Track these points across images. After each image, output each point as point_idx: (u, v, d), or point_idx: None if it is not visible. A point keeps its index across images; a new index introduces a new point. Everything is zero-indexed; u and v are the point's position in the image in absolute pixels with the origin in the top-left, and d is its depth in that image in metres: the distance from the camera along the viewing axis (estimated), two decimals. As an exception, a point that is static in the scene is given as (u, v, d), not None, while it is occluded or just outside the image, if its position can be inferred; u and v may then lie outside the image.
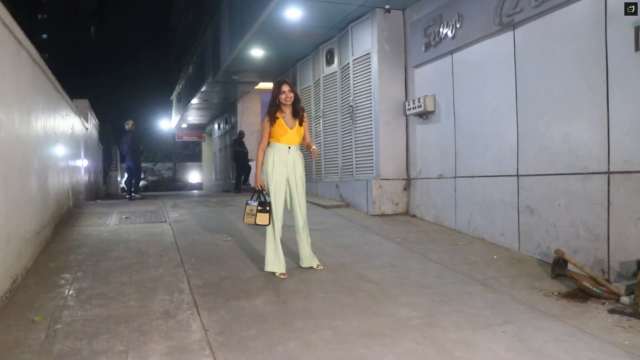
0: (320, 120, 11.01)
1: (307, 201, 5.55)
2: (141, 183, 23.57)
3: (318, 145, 11.18)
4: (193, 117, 24.25)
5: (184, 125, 27.66)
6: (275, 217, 5.26)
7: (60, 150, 7.83)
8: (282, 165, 5.28)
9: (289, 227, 5.60)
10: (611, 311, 4.17)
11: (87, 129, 12.66)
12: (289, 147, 5.32)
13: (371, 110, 9.01)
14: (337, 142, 10.33)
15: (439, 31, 7.69)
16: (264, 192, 5.35)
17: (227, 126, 21.31)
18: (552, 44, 5.75)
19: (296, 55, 12.17)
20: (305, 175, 5.55)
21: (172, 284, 4.91)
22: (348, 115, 9.77)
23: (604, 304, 4.34)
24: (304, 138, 5.46)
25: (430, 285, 4.99)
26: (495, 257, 6.02)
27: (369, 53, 9.05)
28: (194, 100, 19.58)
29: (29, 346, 3.46)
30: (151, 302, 4.39)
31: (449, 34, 7.45)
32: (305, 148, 5.53)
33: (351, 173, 9.74)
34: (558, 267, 5.04)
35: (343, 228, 7.79)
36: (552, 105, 5.76)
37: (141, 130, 26.91)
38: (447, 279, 5.23)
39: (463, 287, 4.92)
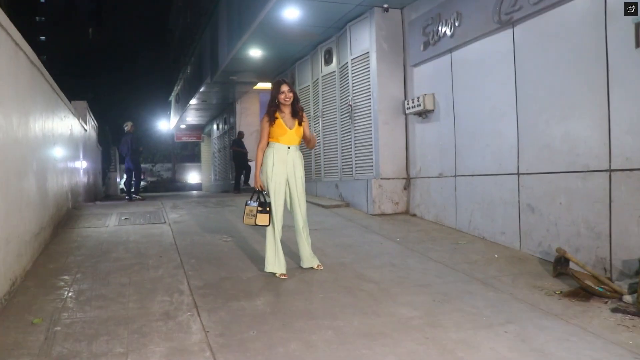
0: (320, 120, 10.99)
1: (306, 201, 5.53)
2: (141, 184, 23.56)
3: (317, 145, 11.16)
4: (192, 117, 24.23)
5: (183, 126, 27.64)
6: (275, 217, 5.23)
7: (58, 152, 7.81)
8: (281, 166, 5.26)
9: (289, 227, 5.57)
10: (614, 310, 4.14)
11: (85, 130, 12.63)
12: (289, 147, 5.30)
13: (370, 109, 8.99)
14: (336, 141, 10.31)
15: (438, 30, 7.67)
16: (264, 193, 5.33)
17: (225, 126, 21.30)
18: (552, 42, 5.73)
19: (294, 55, 12.15)
20: (305, 175, 5.53)
21: (171, 285, 4.89)
22: (347, 114, 9.75)
23: (606, 302, 4.32)
24: (304, 136, 5.44)
25: (431, 284, 4.98)
26: (496, 256, 6.00)
27: (368, 52, 9.03)
28: (193, 101, 19.56)
29: (28, 348, 3.44)
30: (151, 303, 4.37)
31: (448, 33, 7.43)
32: (305, 143, 5.51)
33: (351, 172, 9.72)
34: (560, 265, 5.02)
35: (343, 228, 7.78)
36: (552, 103, 5.74)
37: (140, 131, 26.91)
38: (448, 278, 5.21)
39: (464, 286, 4.90)
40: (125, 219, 8.53)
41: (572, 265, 4.94)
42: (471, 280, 5.12)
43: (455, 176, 7.49)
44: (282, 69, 13.45)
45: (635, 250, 4.69)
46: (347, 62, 9.74)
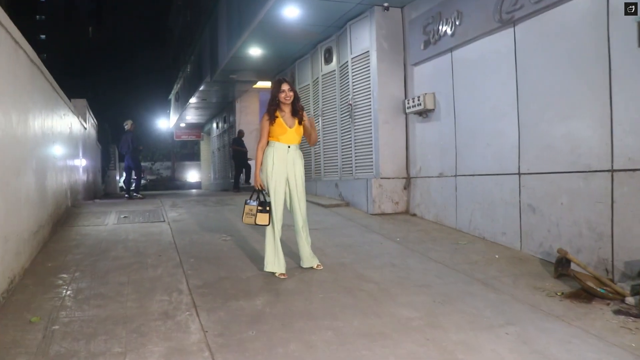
0: (319, 119, 10.95)
1: (306, 200, 5.50)
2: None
3: (317, 144, 11.13)
4: (191, 116, 24.21)
5: (183, 125, 27.63)
6: (275, 216, 5.20)
7: (58, 150, 7.78)
8: (281, 165, 5.23)
9: (288, 226, 5.55)
10: (616, 312, 4.12)
11: (85, 128, 12.61)
12: (289, 147, 5.27)
13: (370, 108, 8.96)
14: (336, 141, 10.29)
15: (438, 29, 7.64)
16: (264, 192, 5.30)
17: (225, 125, 21.28)
18: (553, 41, 5.70)
19: (294, 54, 12.13)
20: (305, 174, 5.50)
21: (170, 284, 4.86)
22: (347, 114, 9.72)
23: (608, 304, 4.29)
24: (305, 132, 5.41)
25: (431, 285, 4.95)
26: (496, 256, 5.98)
27: (368, 51, 9.00)
28: (192, 100, 19.53)
29: (26, 347, 3.42)
30: (150, 302, 4.34)
31: (448, 32, 7.40)
32: (306, 138, 5.49)
33: (351, 172, 9.69)
34: (561, 266, 4.99)
35: (343, 227, 7.75)
36: (554, 103, 5.72)
37: (140, 129, 26.87)
38: (448, 278, 5.18)
39: (464, 287, 4.87)
40: (125, 217, 8.50)
41: (573, 266, 4.91)
42: (472, 280, 5.09)
43: (455, 176, 7.47)
44: (282, 68, 13.42)
45: (637, 252, 4.67)
46: (347, 61, 9.71)
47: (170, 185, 39.77)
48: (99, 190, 17.43)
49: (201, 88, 17.29)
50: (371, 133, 8.95)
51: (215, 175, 24.70)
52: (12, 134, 4.75)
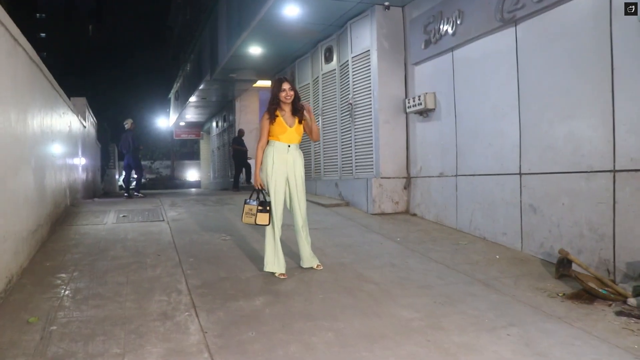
0: (320, 119, 10.92)
1: (306, 200, 5.47)
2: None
3: (317, 143, 11.11)
4: (191, 115, 24.17)
5: (182, 124, 27.59)
6: (275, 216, 5.17)
7: (57, 149, 7.75)
8: (281, 164, 5.20)
9: (288, 226, 5.52)
10: (618, 313, 4.09)
11: (84, 127, 12.58)
12: (289, 146, 5.24)
13: (371, 108, 8.93)
14: (336, 140, 10.26)
15: (439, 28, 7.61)
16: (264, 191, 5.27)
17: (225, 124, 21.25)
18: (555, 40, 5.67)
19: (294, 53, 12.10)
20: (305, 173, 5.47)
21: (170, 284, 4.83)
22: (347, 113, 9.70)
23: (610, 305, 4.27)
24: (306, 127, 5.38)
25: (432, 285, 4.92)
26: (497, 256, 5.95)
27: (368, 50, 8.97)
28: (192, 99, 19.51)
29: (23, 348, 3.39)
30: (148, 303, 4.31)
31: (449, 31, 7.37)
32: (308, 134, 5.45)
33: (351, 171, 9.66)
34: (562, 267, 4.96)
35: (343, 227, 7.72)
36: (555, 103, 5.69)
37: (139, 128, 26.82)
38: (449, 279, 5.16)
39: (465, 288, 4.85)
40: (124, 216, 8.47)
41: (574, 266, 4.88)
42: (473, 281, 5.06)
43: (456, 176, 7.44)
44: (282, 67, 13.39)
45: (639, 252, 4.64)
46: (347, 60, 9.68)
47: (170, 184, 39.74)
48: (98, 189, 17.40)
49: (201, 87, 17.26)
50: (371, 132, 8.92)
51: (215, 174, 24.67)
52: (11, 132, 4.72)
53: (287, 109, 5.28)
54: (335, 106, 10.26)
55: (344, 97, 9.90)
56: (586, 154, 5.26)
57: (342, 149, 10.02)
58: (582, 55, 5.31)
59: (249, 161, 16.02)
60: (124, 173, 14.59)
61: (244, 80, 15.65)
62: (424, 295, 4.60)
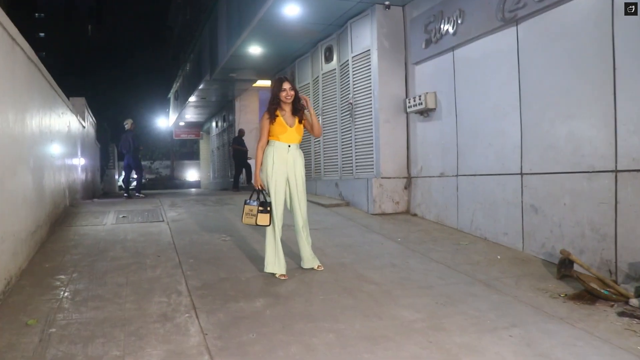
0: (320, 118, 10.89)
1: (306, 200, 5.45)
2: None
3: (317, 143, 11.10)
4: (191, 115, 24.15)
5: (182, 124, 27.56)
6: (275, 216, 5.15)
7: (56, 149, 7.73)
8: (282, 164, 5.17)
9: (288, 226, 5.50)
10: (620, 314, 4.06)
11: (84, 127, 12.55)
12: (289, 146, 5.21)
13: (371, 107, 8.91)
14: (336, 140, 10.23)
15: (440, 27, 7.59)
16: (264, 192, 5.25)
17: (225, 124, 21.22)
18: (556, 40, 5.65)
19: (294, 53, 12.07)
20: (305, 173, 5.44)
21: (169, 285, 4.80)
22: (347, 112, 9.67)
23: (612, 306, 4.24)
24: (306, 123, 5.35)
25: (433, 286, 4.90)
26: (498, 257, 5.93)
27: (369, 50, 8.95)
28: (192, 98, 19.48)
29: (22, 350, 3.36)
30: (148, 304, 4.28)
31: (450, 30, 7.35)
32: (309, 130, 5.42)
33: (351, 171, 9.64)
34: (564, 267, 4.93)
35: (343, 227, 7.70)
36: (557, 102, 5.66)
37: (139, 128, 26.80)
38: (450, 279, 5.13)
39: (466, 288, 4.82)
40: (123, 217, 8.45)
41: (576, 267, 4.86)
42: (474, 282, 5.04)
43: (457, 176, 7.42)
44: (282, 67, 13.36)
45: (641, 253, 4.62)
46: (347, 60, 9.66)
47: (169, 184, 39.72)
48: (98, 190, 17.38)
49: (200, 87, 17.24)
50: (372, 132, 8.89)
51: (215, 174, 24.65)
52: (9, 132, 4.69)
53: (288, 108, 5.25)
54: (336, 106, 10.24)
55: (344, 96, 9.88)
56: (588, 154, 5.24)
57: (343, 148, 10.00)
58: (584, 54, 5.29)
59: (249, 161, 15.99)
60: (123, 173, 14.57)
61: (243, 80, 15.63)
62: (425, 296, 4.57)
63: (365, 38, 9.04)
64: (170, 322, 3.89)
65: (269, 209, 5.13)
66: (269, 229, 5.17)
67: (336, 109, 10.21)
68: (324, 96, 10.79)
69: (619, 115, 4.88)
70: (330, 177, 10.52)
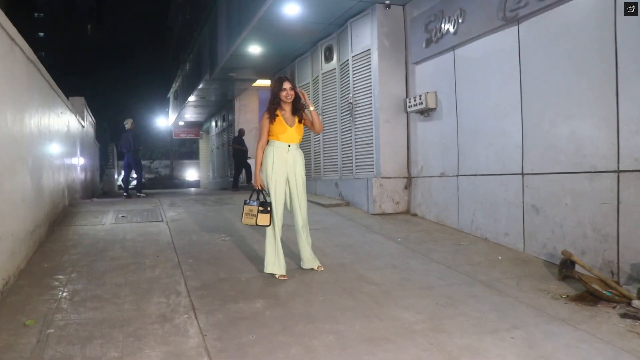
0: (319, 116, 10.86)
1: (306, 200, 5.42)
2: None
3: (317, 143, 11.07)
4: (190, 114, 24.13)
5: (181, 123, 27.54)
6: (275, 216, 5.11)
7: (55, 149, 7.70)
8: (282, 164, 5.14)
9: (288, 226, 5.47)
10: (623, 315, 4.03)
11: (83, 126, 12.53)
12: (289, 146, 5.18)
13: (371, 107, 8.88)
14: (336, 139, 10.20)
15: (441, 27, 7.56)
16: (264, 192, 5.21)
17: (224, 124, 21.19)
18: (558, 39, 5.62)
19: (294, 52, 12.05)
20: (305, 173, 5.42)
21: (168, 285, 4.77)
22: (347, 112, 9.64)
23: (614, 307, 4.21)
24: (305, 120, 5.32)
25: (434, 287, 4.87)
26: (499, 257, 5.90)
27: (369, 49, 8.92)
28: (191, 98, 19.46)
29: (19, 351, 3.33)
30: (147, 304, 4.25)
31: (451, 30, 7.32)
32: (309, 127, 5.38)
33: (351, 171, 9.61)
34: (565, 268, 4.91)
35: (343, 227, 7.67)
36: (558, 102, 5.63)
37: (138, 128, 26.77)
38: (451, 280, 5.10)
39: (467, 289, 4.79)
40: (122, 216, 8.42)
41: (578, 268, 4.83)
42: (475, 282, 5.01)
43: (457, 176, 7.39)
44: (282, 66, 13.34)
45: (643, 254, 4.59)
46: (347, 59, 9.63)
47: (169, 183, 39.65)
48: (97, 189, 17.35)
49: (200, 86, 17.21)
50: (372, 132, 8.86)
51: (214, 174, 24.61)
52: (8, 132, 4.67)
53: (288, 108, 5.22)
54: (336, 105, 10.21)
55: (344, 96, 9.85)
56: (589, 154, 5.21)
57: (343, 148, 9.97)
58: (586, 54, 5.26)
59: (248, 161, 15.96)
60: (122, 172, 14.55)
61: (243, 79, 15.60)
62: (426, 297, 4.54)
63: (366, 37, 9.01)
64: (169, 323, 3.86)
65: (269, 209, 5.09)
66: (269, 229, 5.14)
67: (336, 109, 10.18)
68: (324, 96, 10.76)
69: (621, 115, 4.85)
70: (330, 177, 10.50)
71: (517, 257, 5.90)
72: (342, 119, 9.95)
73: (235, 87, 17.27)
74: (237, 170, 16.11)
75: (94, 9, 55.02)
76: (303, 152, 5.45)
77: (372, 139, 8.87)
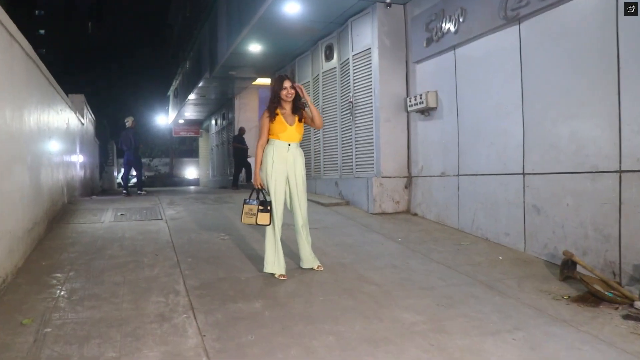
0: (320, 117, 10.83)
1: (306, 199, 5.38)
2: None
3: (317, 142, 11.04)
4: (190, 112, 24.09)
5: (181, 121, 27.50)
6: (275, 216, 5.08)
7: (54, 146, 7.67)
8: (281, 163, 5.10)
9: (288, 225, 5.44)
10: (625, 317, 4.00)
11: (83, 124, 12.50)
12: (289, 145, 5.15)
13: (371, 106, 8.85)
14: (336, 138, 10.17)
15: (441, 26, 7.52)
16: (264, 191, 5.18)
17: (224, 122, 21.16)
18: (559, 39, 5.59)
19: (295, 51, 12.01)
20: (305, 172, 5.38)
21: (167, 284, 4.74)
22: (348, 111, 9.61)
23: (617, 308, 4.18)
24: (305, 117, 5.28)
25: (434, 287, 4.84)
26: (500, 257, 5.87)
27: (369, 48, 8.88)
28: (191, 96, 19.43)
29: (16, 350, 3.30)
30: (145, 304, 4.22)
31: (452, 29, 7.29)
32: (309, 124, 5.35)
33: (351, 170, 9.58)
34: (567, 269, 4.88)
35: (343, 227, 7.64)
36: (560, 101, 5.60)
37: (138, 126, 26.71)
38: (451, 280, 5.07)
39: (468, 290, 4.76)
40: (121, 214, 8.38)
41: (579, 268, 4.80)
42: (475, 283, 4.98)
43: (458, 175, 7.36)
44: (282, 65, 13.30)
45: (645, 254, 4.56)
46: (348, 58, 9.60)
47: (168, 181, 39.67)
48: (97, 187, 17.32)
49: (200, 84, 17.17)
50: (372, 131, 8.83)
51: (214, 172, 24.58)
52: (6, 129, 4.65)
53: (288, 107, 5.19)
54: (336, 104, 10.17)
55: (344, 95, 9.82)
56: (591, 154, 5.18)
57: (343, 147, 9.94)
58: (587, 53, 5.23)
59: (249, 160, 15.92)
60: (122, 170, 14.53)
61: (243, 78, 15.57)
62: (426, 297, 4.51)
63: (366, 36, 8.98)
64: (167, 323, 3.82)
65: (269, 208, 5.06)
66: (268, 229, 5.11)
67: (336, 108, 10.15)
68: (324, 95, 10.73)
69: (623, 115, 4.82)
70: (330, 176, 10.46)
71: (518, 258, 5.87)
72: (342, 118, 9.92)
73: (236, 86, 17.24)
74: (237, 169, 16.07)
75: (95, 7, 55.00)
76: (303, 151, 5.42)
77: (372, 138, 8.84)
